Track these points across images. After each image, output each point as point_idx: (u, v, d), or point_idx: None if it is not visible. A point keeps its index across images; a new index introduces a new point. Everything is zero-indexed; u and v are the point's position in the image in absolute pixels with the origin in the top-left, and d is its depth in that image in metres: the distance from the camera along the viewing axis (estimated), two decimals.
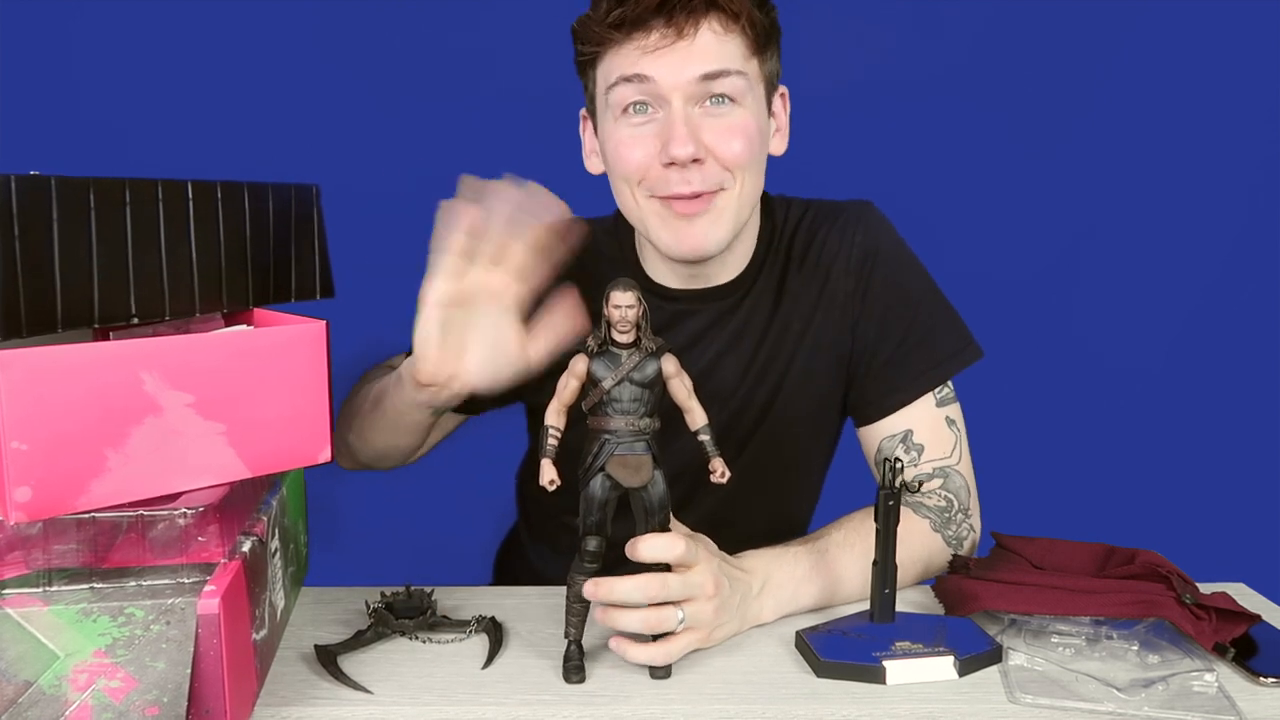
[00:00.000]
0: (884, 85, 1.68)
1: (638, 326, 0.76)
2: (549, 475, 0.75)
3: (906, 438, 1.00)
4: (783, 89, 0.97)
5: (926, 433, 1.00)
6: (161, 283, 0.72)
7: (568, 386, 0.77)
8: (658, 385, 0.77)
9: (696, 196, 0.90)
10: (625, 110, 0.90)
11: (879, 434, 1.02)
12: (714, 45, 0.87)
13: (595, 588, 0.76)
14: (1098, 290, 1.81)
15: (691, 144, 0.87)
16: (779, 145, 0.99)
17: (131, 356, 0.66)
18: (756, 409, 1.03)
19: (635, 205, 0.94)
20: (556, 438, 0.77)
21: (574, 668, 0.78)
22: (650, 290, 1.01)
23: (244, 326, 0.81)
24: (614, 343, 0.76)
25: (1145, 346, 1.82)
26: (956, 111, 1.72)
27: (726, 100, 0.89)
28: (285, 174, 0.85)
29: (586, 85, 0.96)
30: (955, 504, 0.99)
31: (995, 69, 1.72)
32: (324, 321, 0.76)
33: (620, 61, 0.88)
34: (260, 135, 1.50)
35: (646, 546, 0.76)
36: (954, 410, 1.02)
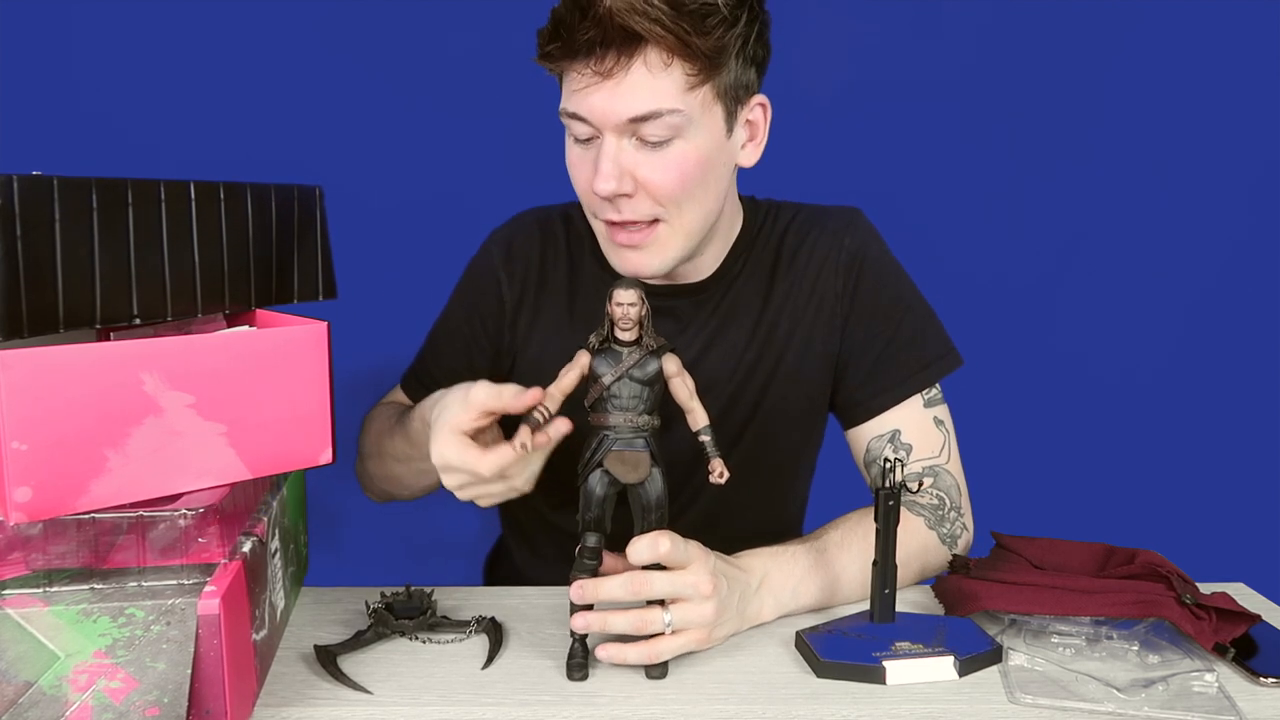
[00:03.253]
0: (877, 89, 1.68)
1: (640, 325, 0.77)
2: (523, 438, 0.76)
3: (895, 437, 1.01)
4: (761, 99, 0.93)
5: (915, 432, 1.01)
6: (163, 283, 0.72)
7: (567, 375, 0.78)
8: (658, 383, 0.78)
9: (632, 224, 0.90)
10: (574, 134, 0.90)
11: (867, 434, 1.03)
12: (645, 84, 0.82)
13: (581, 590, 0.77)
14: (1097, 290, 1.81)
15: (614, 181, 0.86)
16: (749, 157, 0.95)
17: (132, 357, 0.66)
18: (746, 406, 1.04)
19: (591, 220, 0.96)
20: (544, 415, 0.78)
21: (577, 665, 0.78)
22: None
23: (246, 327, 0.81)
24: (616, 340, 0.77)
25: (1145, 346, 1.82)
26: (955, 112, 1.72)
27: (664, 137, 0.86)
28: (288, 175, 0.85)
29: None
30: (947, 502, 0.99)
31: (991, 71, 1.72)
32: (325, 323, 0.76)
33: (564, 90, 0.88)
34: (263, 136, 1.50)
35: (633, 550, 0.77)
36: (942, 411, 1.03)
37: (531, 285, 1.06)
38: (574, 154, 0.90)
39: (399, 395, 1.14)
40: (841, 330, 1.03)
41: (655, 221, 0.90)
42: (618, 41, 0.81)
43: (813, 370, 1.04)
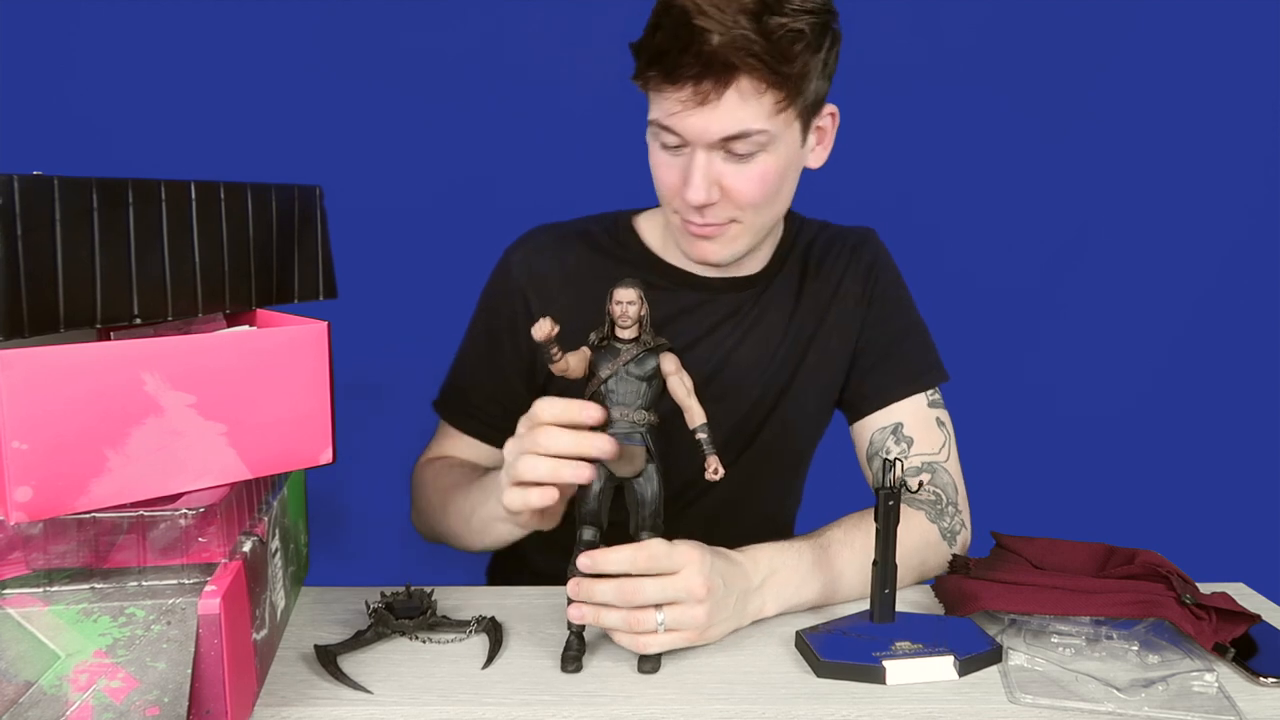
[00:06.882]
0: (877, 89, 1.69)
1: (639, 323, 0.78)
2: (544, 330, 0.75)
3: (897, 430, 1.05)
4: (832, 108, 0.99)
5: (917, 427, 1.05)
6: (164, 283, 0.72)
7: (577, 354, 0.79)
8: (655, 380, 0.79)
9: (708, 225, 0.97)
10: (662, 141, 0.96)
11: (871, 426, 1.08)
12: (738, 108, 0.89)
13: (577, 586, 0.78)
14: (1097, 290, 1.81)
15: (704, 192, 0.92)
16: (817, 160, 1.02)
17: (133, 357, 0.66)
18: (771, 398, 1.10)
19: (665, 212, 1.02)
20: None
21: (571, 657, 0.79)
22: (677, 280, 1.08)
23: (246, 327, 0.81)
24: (615, 338, 0.79)
25: (1145, 346, 1.82)
26: (956, 112, 1.73)
27: (750, 151, 0.92)
28: (288, 175, 0.85)
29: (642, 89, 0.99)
30: (944, 498, 1.02)
31: (992, 69, 1.72)
32: (326, 322, 0.76)
33: (657, 107, 0.93)
34: (263, 136, 1.50)
35: (606, 559, 0.77)
36: (944, 414, 1.08)
37: (556, 301, 1.08)
38: (661, 159, 0.97)
39: (444, 430, 1.14)
40: (859, 329, 1.10)
41: (732, 221, 0.97)
42: (716, 72, 0.87)
43: (831, 367, 1.10)
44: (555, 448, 0.76)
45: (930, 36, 1.70)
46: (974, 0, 1.70)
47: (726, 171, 0.93)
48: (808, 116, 0.95)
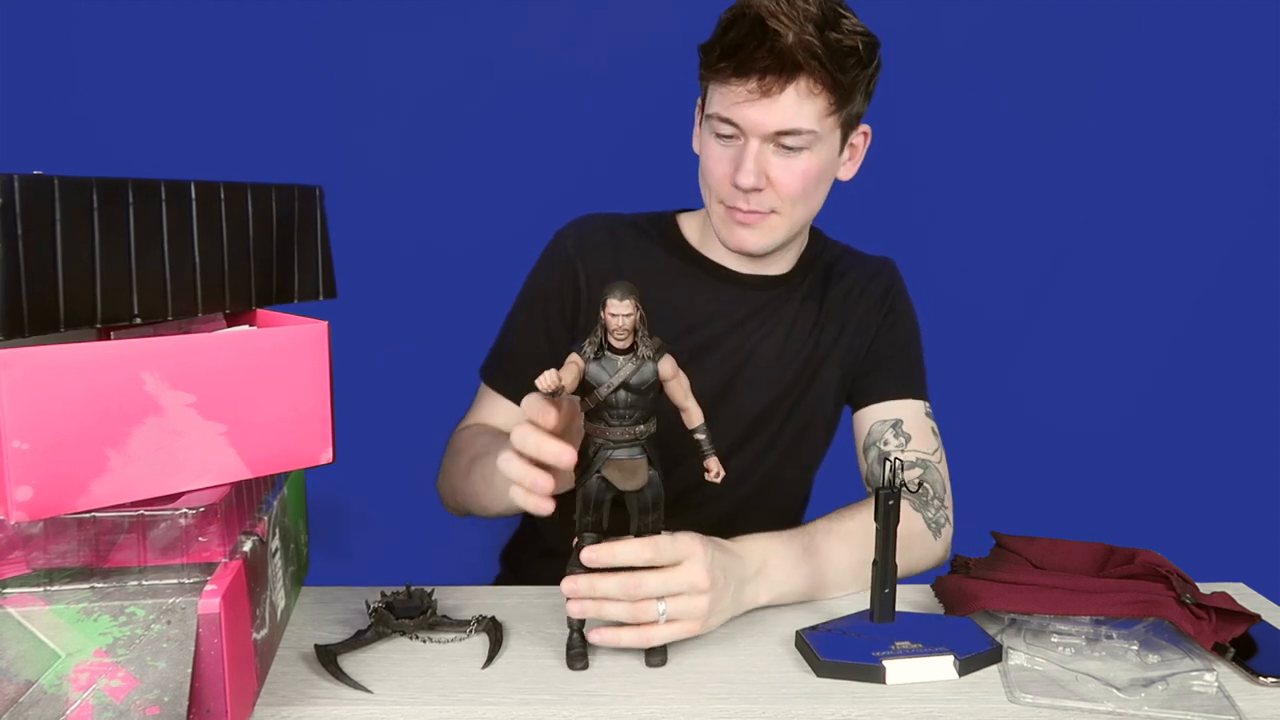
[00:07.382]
0: (879, 86, 1.69)
1: (634, 333, 0.75)
2: (549, 380, 0.72)
3: (897, 425, 1.11)
4: (865, 128, 1.09)
5: (914, 427, 1.10)
6: (164, 283, 0.72)
7: (567, 369, 0.75)
8: (654, 390, 0.77)
9: (751, 212, 1.05)
10: (718, 132, 1.04)
11: (872, 417, 1.13)
12: (794, 106, 0.98)
13: (575, 584, 0.78)
14: (1097, 291, 1.81)
15: (753, 177, 1.01)
16: (847, 172, 1.11)
17: (133, 356, 0.66)
18: (792, 393, 1.15)
19: (709, 203, 1.10)
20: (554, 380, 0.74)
21: (577, 655, 0.79)
22: (713, 273, 1.15)
23: (246, 327, 0.81)
24: (611, 348, 0.75)
25: (1146, 346, 1.82)
26: (955, 111, 1.73)
27: (798, 146, 1.01)
28: (288, 175, 0.85)
29: (703, 88, 1.07)
30: (931, 491, 1.05)
31: (992, 69, 1.72)
32: (325, 322, 0.76)
33: (719, 100, 1.02)
34: (263, 136, 1.50)
35: (612, 552, 0.78)
36: (936, 426, 1.13)
37: (606, 278, 1.08)
38: (714, 150, 1.05)
39: (485, 394, 1.17)
40: (872, 338, 1.17)
41: (772, 212, 1.05)
42: (782, 69, 0.97)
43: (844, 369, 1.16)
44: (520, 476, 0.77)
45: (930, 36, 1.70)
46: (974, 0, 1.70)
47: (774, 163, 1.02)
48: (847, 129, 1.05)
